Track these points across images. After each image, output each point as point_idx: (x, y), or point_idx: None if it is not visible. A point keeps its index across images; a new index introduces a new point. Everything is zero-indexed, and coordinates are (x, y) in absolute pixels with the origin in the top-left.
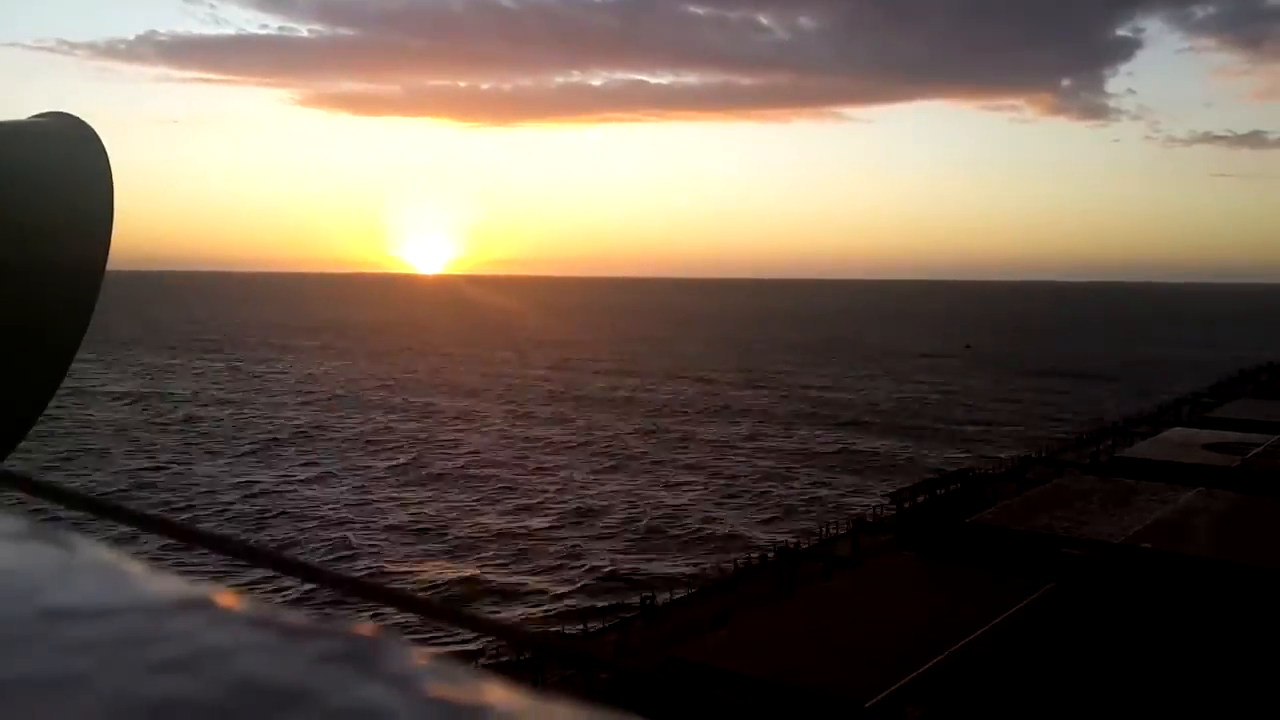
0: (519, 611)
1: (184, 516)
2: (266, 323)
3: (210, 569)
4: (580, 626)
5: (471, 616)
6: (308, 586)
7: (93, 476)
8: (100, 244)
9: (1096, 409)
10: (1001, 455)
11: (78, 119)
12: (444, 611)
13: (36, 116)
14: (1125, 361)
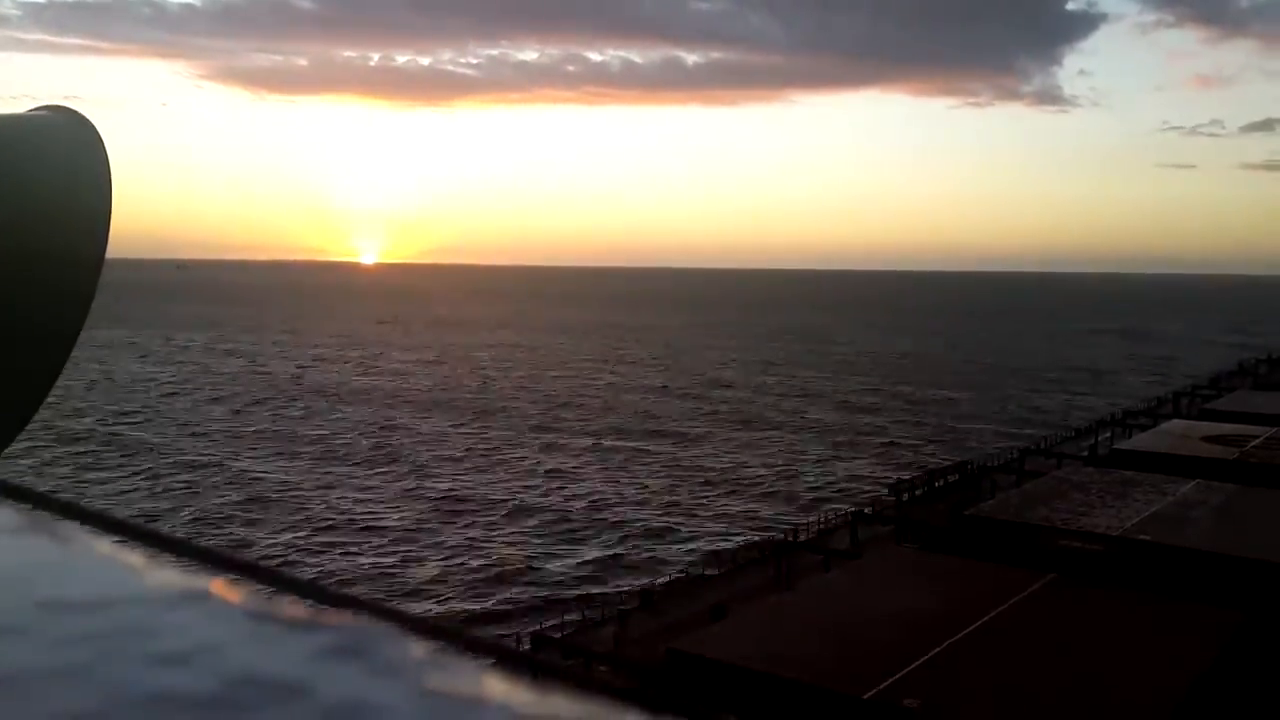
0: (518, 604)
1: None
2: None
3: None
4: (580, 618)
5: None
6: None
7: None
8: (98, 236)
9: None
10: (1000, 448)
11: (76, 112)
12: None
13: (34, 110)
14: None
